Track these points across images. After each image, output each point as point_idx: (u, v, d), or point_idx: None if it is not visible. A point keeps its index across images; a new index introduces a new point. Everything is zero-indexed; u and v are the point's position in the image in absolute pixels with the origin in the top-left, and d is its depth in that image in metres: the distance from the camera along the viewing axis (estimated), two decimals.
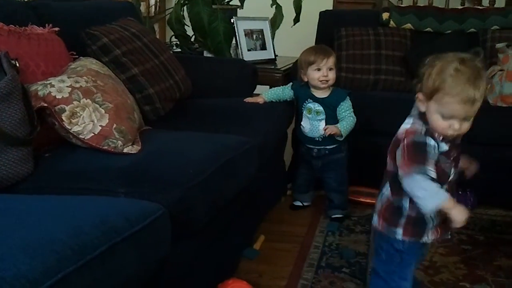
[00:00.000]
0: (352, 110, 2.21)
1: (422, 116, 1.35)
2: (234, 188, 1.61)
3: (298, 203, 2.43)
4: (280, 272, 1.87)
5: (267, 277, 1.83)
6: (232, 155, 1.61)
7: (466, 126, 1.33)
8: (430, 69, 1.30)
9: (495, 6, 3.55)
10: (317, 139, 2.23)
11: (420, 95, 1.34)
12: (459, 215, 1.26)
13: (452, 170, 1.41)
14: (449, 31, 2.97)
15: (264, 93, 2.32)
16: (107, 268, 1.00)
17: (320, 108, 2.19)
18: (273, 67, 2.78)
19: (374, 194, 2.49)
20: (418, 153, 1.31)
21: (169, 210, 1.25)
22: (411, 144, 1.32)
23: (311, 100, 2.21)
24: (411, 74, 2.80)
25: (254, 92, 2.52)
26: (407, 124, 1.38)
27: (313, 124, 2.22)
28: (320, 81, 2.15)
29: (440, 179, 1.33)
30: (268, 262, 1.94)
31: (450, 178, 1.40)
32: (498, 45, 2.62)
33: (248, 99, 2.28)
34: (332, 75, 2.17)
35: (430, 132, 1.33)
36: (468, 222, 1.29)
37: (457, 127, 1.30)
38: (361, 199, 2.48)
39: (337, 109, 2.19)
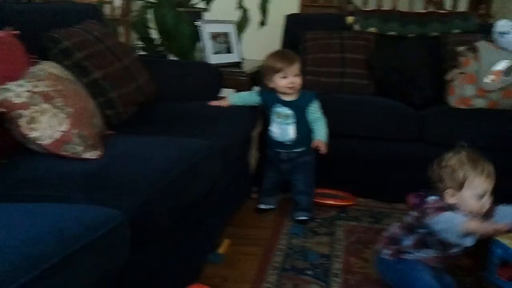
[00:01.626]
0: (321, 111, 2.24)
1: (452, 208, 1.61)
2: (198, 192, 1.61)
3: (264, 206, 2.44)
4: (244, 276, 1.87)
5: (231, 281, 1.83)
6: (195, 159, 1.61)
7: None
8: (447, 169, 1.61)
9: (457, 10, 3.64)
10: (287, 143, 2.25)
11: (449, 191, 1.61)
12: (489, 227, 1.53)
13: None
14: (412, 35, 3.03)
15: (230, 97, 2.32)
16: (64, 277, 0.99)
17: (289, 111, 2.21)
18: (239, 70, 2.79)
19: (338, 196, 2.54)
20: None
21: (130, 216, 1.25)
22: None
23: (279, 104, 2.23)
24: (374, 77, 2.86)
25: (221, 95, 2.51)
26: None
27: (283, 128, 2.24)
28: (288, 87, 2.17)
29: None
30: (233, 266, 1.94)
31: None
32: (459, 49, 2.68)
33: (213, 103, 2.27)
34: (298, 81, 2.19)
35: None
36: None
37: (489, 201, 1.60)
38: (324, 201, 2.51)
39: (306, 111, 2.21)
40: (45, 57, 1.84)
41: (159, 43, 3.03)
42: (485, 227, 1.51)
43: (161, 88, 2.33)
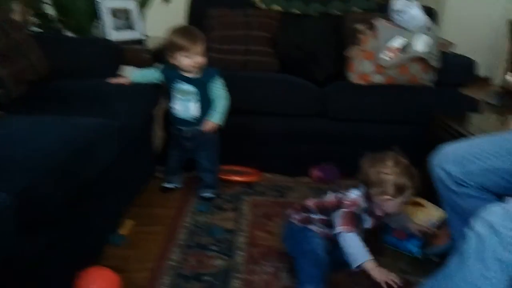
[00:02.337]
0: (224, 88, 2.22)
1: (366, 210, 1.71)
2: (93, 172, 1.56)
3: (169, 185, 2.41)
4: (147, 255, 1.84)
5: (133, 262, 1.80)
6: (90, 138, 1.56)
7: None
8: (388, 177, 1.63)
9: None
10: (190, 120, 2.22)
11: (387, 198, 1.65)
12: (379, 275, 1.49)
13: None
14: (316, 13, 3.09)
15: (130, 74, 2.25)
16: None
17: (191, 88, 2.17)
18: (141, 47, 2.71)
19: (241, 172, 2.56)
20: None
21: (16, 200, 1.18)
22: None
23: (181, 81, 2.18)
24: (279, 55, 2.89)
25: (121, 73, 2.43)
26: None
27: (185, 105, 2.20)
28: (193, 67, 2.13)
29: None
30: (136, 246, 1.90)
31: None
32: (358, 26, 2.76)
33: (112, 80, 2.19)
34: (202, 61, 2.14)
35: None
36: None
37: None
38: (230, 178, 2.53)
39: (209, 88, 2.19)
40: None
41: (55, 19, 2.87)
42: (379, 275, 1.51)
43: (57, 66, 2.20)
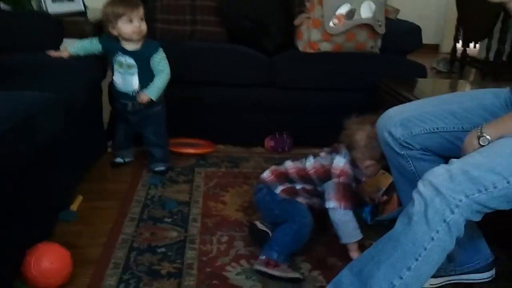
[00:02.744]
0: (166, 62, 2.17)
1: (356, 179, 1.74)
2: (35, 147, 1.50)
3: (119, 160, 2.36)
4: (99, 230, 1.81)
5: (85, 237, 1.76)
6: (30, 113, 1.49)
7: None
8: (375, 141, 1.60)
9: None
10: (131, 94, 2.16)
11: (370, 163, 1.72)
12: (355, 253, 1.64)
13: None
14: None
15: (70, 47, 2.16)
16: None
17: (131, 61, 2.12)
18: (82, 19, 2.61)
19: (194, 144, 2.54)
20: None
21: None
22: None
23: (121, 53, 2.12)
24: (226, 25, 2.85)
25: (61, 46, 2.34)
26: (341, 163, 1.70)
27: (126, 78, 2.14)
28: (134, 33, 2.08)
29: None
30: (88, 222, 1.86)
31: None
32: None
33: (52, 53, 2.11)
34: (144, 26, 2.10)
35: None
36: None
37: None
38: (183, 150, 2.50)
39: (150, 61, 2.14)
40: None
41: None
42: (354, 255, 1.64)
43: None
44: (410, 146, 1.43)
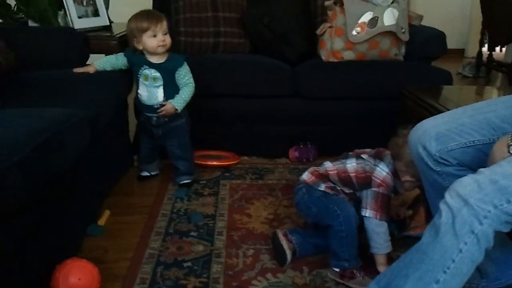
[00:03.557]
0: (190, 75, 2.18)
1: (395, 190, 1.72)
2: (63, 163, 1.52)
3: (145, 173, 2.38)
4: (126, 245, 1.82)
5: (112, 252, 1.78)
6: (57, 129, 1.51)
7: None
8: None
9: None
10: (156, 106, 2.18)
11: (410, 178, 1.68)
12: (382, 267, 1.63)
13: None
14: None
15: (96, 62, 2.20)
16: None
17: (157, 74, 2.14)
18: (108, 34, 2.65)
19: (218, 157, 2.55)
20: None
21: None
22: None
23: (147, 67, 2.15)
24: (249, 35, 2.86)
25: (89, 62, 2.38)
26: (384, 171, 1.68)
27: (151, 91, 2.16)
28: (159, 47, 2.10)
29: None
30: (115, 236, 1.88)
31: None
32: (327, 3, 2.74)
33: (78, 69, 2.14)
34: (168, 39, 2.13)
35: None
36: None
37: None
38: (207, 163, 2.51)
39: (175, 75, 2.16)
40: None
41: (16, 9, 2.77)
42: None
43: (22, 58, 2.14)
44: (446, 162, 1.36)
